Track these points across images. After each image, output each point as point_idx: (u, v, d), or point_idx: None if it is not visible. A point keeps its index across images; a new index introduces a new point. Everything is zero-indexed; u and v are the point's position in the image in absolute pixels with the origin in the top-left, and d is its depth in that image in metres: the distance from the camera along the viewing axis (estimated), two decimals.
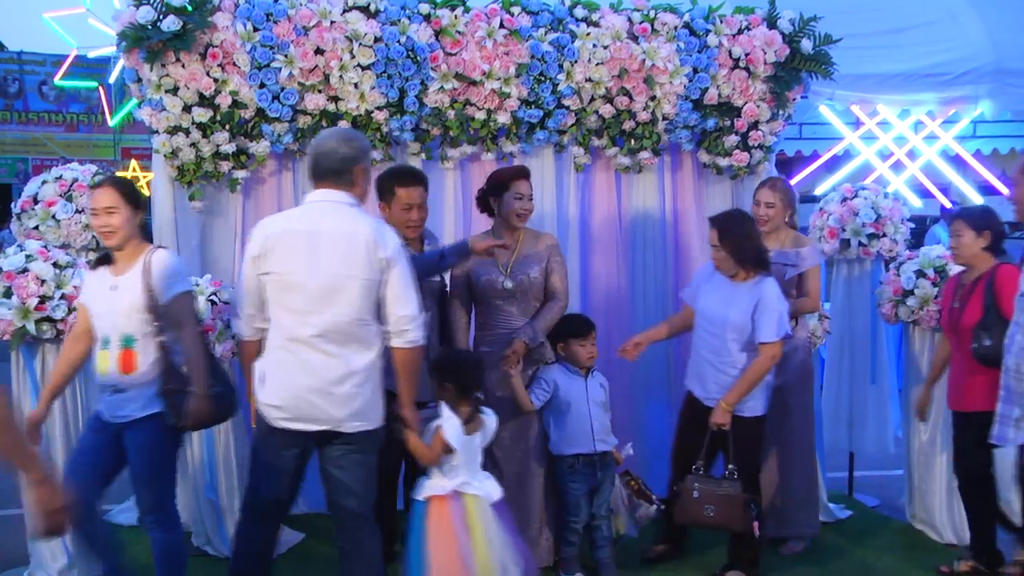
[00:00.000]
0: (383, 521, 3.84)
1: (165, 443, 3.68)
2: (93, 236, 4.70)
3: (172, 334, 3.62)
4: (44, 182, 4.85)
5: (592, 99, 5.08)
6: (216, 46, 4.58)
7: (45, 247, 4.32)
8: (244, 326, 3.62)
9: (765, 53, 5.16)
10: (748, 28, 5.20)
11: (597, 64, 4.97)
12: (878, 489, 5.88)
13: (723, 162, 5.39)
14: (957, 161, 8.84)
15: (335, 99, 4.78)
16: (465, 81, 4.88)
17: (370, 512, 3.62)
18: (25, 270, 4.14)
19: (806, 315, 4.89)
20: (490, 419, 3.90)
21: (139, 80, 4.71)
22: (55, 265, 4.21)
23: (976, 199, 8.44)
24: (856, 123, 8.24)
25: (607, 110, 5.10)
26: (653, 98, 5.10)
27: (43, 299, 4.13)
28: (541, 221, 5.05)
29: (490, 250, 4.24)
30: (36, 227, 4.76)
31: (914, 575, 4.66)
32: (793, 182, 5.68)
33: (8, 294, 4.10)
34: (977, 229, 4.35)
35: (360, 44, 4.68)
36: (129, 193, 3.70)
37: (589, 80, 5.00)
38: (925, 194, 8.99)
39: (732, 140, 5.31)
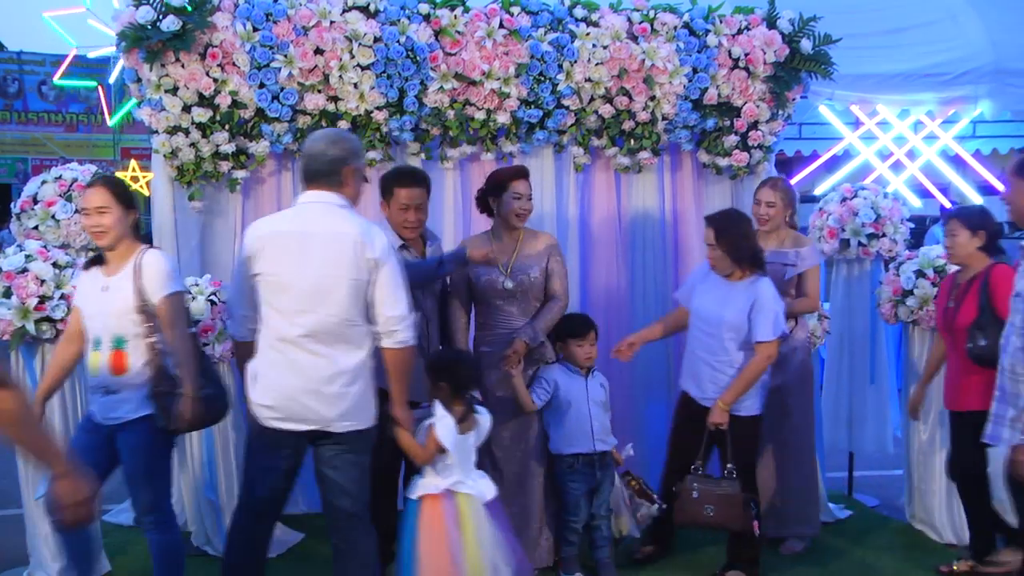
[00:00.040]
0: (382, 520, 3.85)
1: (158, 445, 3.66)
2: None
3: (163, 335, 3.60)
4: (44, 182, 4.85)
5: (592, 99, 5.08)
6: (216, 46, 4.58)
7: (45, 247, 4.32)
8: (238, 327, 3.66)
9: (765, 53, 5.17)
10: (748, 28, 5.20)
11: (597, 64, 4.98)
12: (878, 489, 5.88)
13: (723, 162, 5.39)
14: (957, 161, 8.84)
15: (335, 99, 4.78)
16: (465, 81, 4.88)
17: (364, 512, 3.63)
18: (25, 270, 4.14)
19: (806, 315, 4.89)
20: (484, 418, 3.90)
21: (139, 80, 4.71)
22: (55, 265, 4.21)
23: (976, 199, 8.44)
24: (856, 123, 8.23)
25: (607, 110, 5.10)
26: (653, 98, 5.10)
27: (43, 299, 4.13)
28: (541, 221, 5.05)
29: (488, 257, 4.27)
30: (36, 227, 4.76)
31: (914, 575, 4.66)
32: (793, 182, 5.67)
33: (8, 294, 4.10)
34: (972, 229, 4.35)
35: (360, 44, 4.69)
36: (121, 193, 3.68)
37: (589, 80, 5.00)
38: (925, 194, 8.99)
39: (732, 140, 5.32)
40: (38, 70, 16.51)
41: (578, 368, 4.43)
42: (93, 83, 14.31)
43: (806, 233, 5.33)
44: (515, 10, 4.96)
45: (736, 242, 4.29)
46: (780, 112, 5.34)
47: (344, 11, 4.72)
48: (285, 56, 4.62)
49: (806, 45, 5.22)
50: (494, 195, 4.43)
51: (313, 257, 3.43)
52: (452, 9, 4.86)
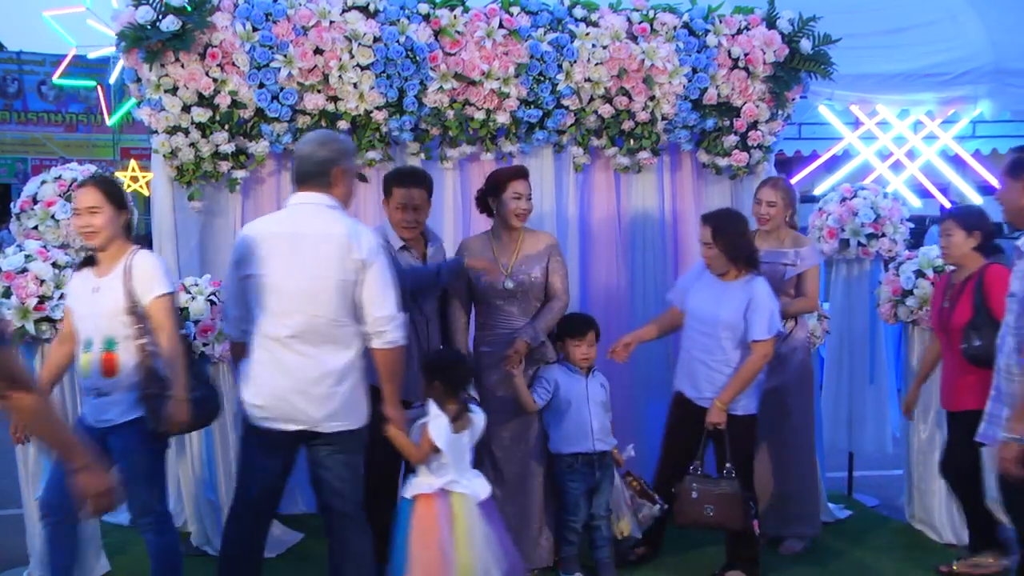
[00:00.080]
0: (381, 520, 3.85)
1: (149, 447, 3.64)
2: None
3: (154, 337, 3.58)
4: (43, 182, 4.84)
5: (591, 99, 5.08)
6: (215, 46, 4.58)
7: (44, 247, 4.32)
8: (231, 328, 3.70)
9: (764, 53, 5.16)
10: (747, 28, 5.20)
11: (596, 64, 4.97)
12: (877, 489, 5.88)
13: (722, 162, 5.39)
14: (956, 161, 8.84)
15: (334, 99, 4.78)
16: (464, 81, 4.88)
17: (357, 512, 3.65)
18: (24, 270, 4.14)
19: (805, 315, 4.89)
20: (478, 418, 3.91)
21: (138, 80, 4.71)
22: (54, 265, 4.20)
23: (975, 199, 8.44)
24: (855, 123, 8.23)
25: (606, 110, 5.10)
26: (652, 98, 5.10)
27: (42, 299, 4.12)
28: (540, 221, 5.05)
29: (487, 268, 4.30)
30: (35, 227, 4.76)
31: (913, 575, 4.65)
32: (792, 182, 5.67)
33: (7, 294, 4.10)
34: (967, 229, 4.36)
35: (359, 44, 4.69)
36: (113, 193, 3.66)
37: (588, 80, 5.00)
38: (924, 194, 8.99)
39: (731, 140, 5.31)
40: (38, 70, 16.52)
41: (577, 368, 4.43)
42: (92, 83, 14.31)
43: (806, 233, 5.33)
44: (515, 10, 4.96)
45: (733, 241, 4.29)
46: (780, 112, 5.34)
47: (344, 11, 4.72)
48: (285, 56, 4.62)
49: (806, 45, 5.22)
50: (494, 195, 4.43)
51: (301, 258, 3.45)
52: (452, 9, 4.86)
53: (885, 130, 8.32)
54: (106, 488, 2.67)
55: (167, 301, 3.62)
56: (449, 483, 3.76)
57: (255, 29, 4.61)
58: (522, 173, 4.46)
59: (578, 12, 5.04)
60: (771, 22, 5.24)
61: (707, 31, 5.14)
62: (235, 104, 4.67)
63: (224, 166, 4.82)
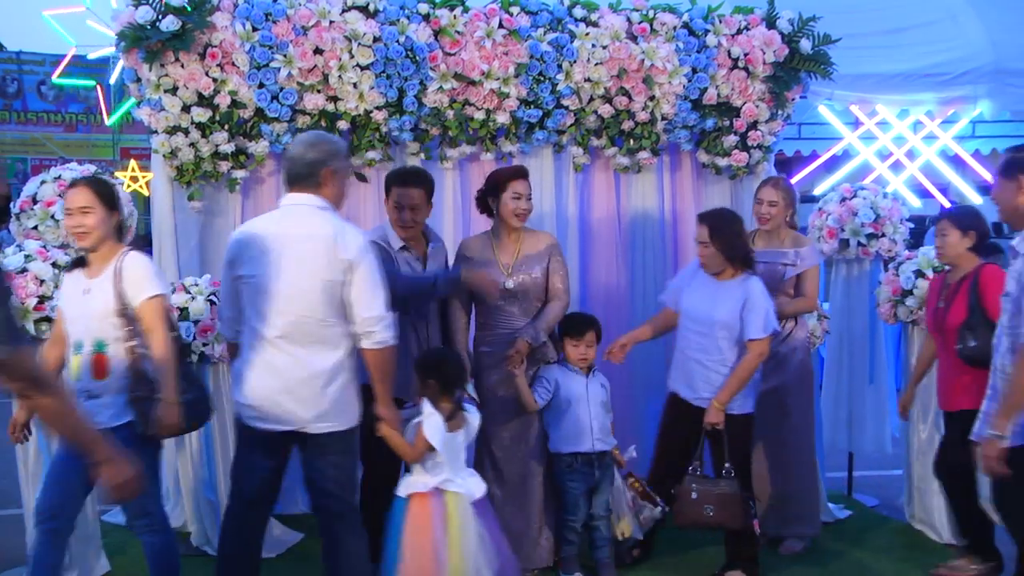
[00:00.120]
0: (381, 520, 3.84)
1: (141, 450, 3.59)
2: None
3: (144, 339, 3.56)
4: (43, 182, 4.84)
5: (591, 99, 5.08)
6: (215, 46, 4.58)
7: (44, 247, 4.32)
8: (226, 328, 3.75)
9: (764, 53, 5.17)
10: (747, 28, 5.20)
11: (596, 64, 4.98)
12: (877, 489, 5.88)
13: (722, 162, 5.39)
14: (956, 161, 8.83)
15: (334, 99, 4.78)
16: (464, 81, 4.88)
17: (350, 512, 3.66)
18: (24, 270, 4.14)
19: (805, 315, 4.89)
20: (473, 417, 3.90)
21: (138, 80, 4.71)
22: (54, 265, 4.20)
23: (975, 199, 8.44)
24: (855, 123, 8.22)
25: (606, 110, 5.10)
26: (652, 98, 5.10)
27: (42, 299, 4.12)
28: (540, 221, 5.05)
29: (486, 283, 4.30)
30: (35, 227, 4.75)
31: (913, 575, 4.65)
32: (792, 182, 5.67)
33: None
34: (963, 229, 4.36)
35: (359, 44, 4.69)
36: (105, 193, 3.64)
37: (588, 80, 5.00)
38: (924, 194, 8.99)
39: (731, 140, 5.32)
40: (37, 70, 16.51)
41: (577, 367, 4.43)
42: (92, 83, 14.31)
43: (806, 233, 5.33)
44: (514, 10, 4.96)
45: (730, 240, 4.29)
46: (779, 112, 5.34)
47: (343, 11, 4.72)
48: (284, 56, 4.62)
49: (805, 45, 5.22)
50: (493, 195, 4.43)
51: (288, 259, 3.47)
52: (451, 9, 4.86)
53: (885, 130, 8.31)
54: (128, 477, 2.71)
55: (157, 303, 3.59)
56: (444, 482, 3.75)
57: (255, 29, 4.61)
58: (522, 173, 4.46)
59: (578, 12, 5.05)
60: (771, 22, 5.24)
61: (707, 31, 5.14)
62: (235, 104, 4.67)
63: (224, 166, 4.82)
